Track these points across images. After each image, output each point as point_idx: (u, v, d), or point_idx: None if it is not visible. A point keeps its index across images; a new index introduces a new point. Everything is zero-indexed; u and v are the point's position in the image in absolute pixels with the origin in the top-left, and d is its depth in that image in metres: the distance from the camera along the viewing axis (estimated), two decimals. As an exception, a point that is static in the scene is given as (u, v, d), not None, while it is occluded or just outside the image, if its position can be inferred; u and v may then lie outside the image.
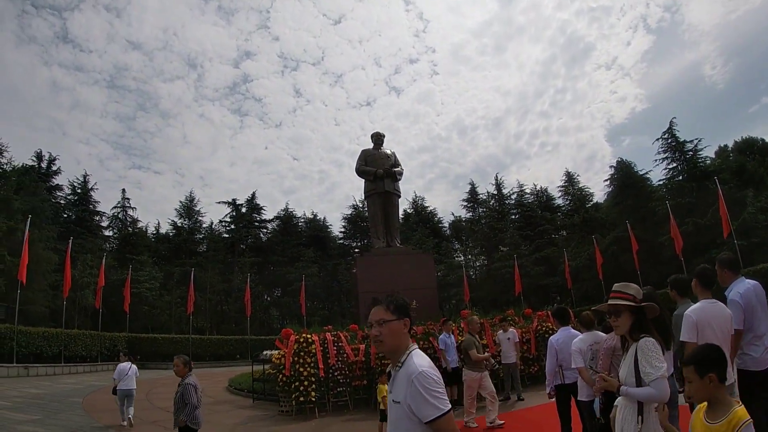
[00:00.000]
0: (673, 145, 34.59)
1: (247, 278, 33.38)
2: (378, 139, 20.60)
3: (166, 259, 41.36)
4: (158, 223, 53.04)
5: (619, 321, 3.15)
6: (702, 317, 4.16)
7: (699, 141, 33.62)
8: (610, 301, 3.23)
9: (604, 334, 5.31)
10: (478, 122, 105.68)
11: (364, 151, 20.64)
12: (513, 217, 47.93)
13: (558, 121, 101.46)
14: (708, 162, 34.66)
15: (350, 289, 38.90)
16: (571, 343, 5.67)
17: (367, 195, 20.36)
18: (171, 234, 44.46)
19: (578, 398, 5.57)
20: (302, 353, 10.47)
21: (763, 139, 42.35)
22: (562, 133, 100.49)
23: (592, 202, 45.65)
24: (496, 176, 53.42)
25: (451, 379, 10.21)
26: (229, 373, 21.77)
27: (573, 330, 6.18)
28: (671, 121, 35.08)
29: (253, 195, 46.98)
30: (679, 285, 4.92)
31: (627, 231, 28.45)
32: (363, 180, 20.28)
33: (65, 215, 37.49)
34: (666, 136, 35.00)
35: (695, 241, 26.32)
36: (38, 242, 26.67)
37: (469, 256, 50.62)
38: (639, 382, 2.92)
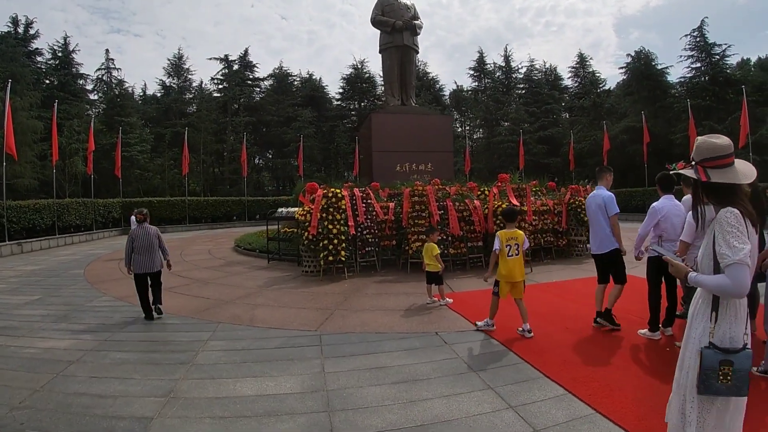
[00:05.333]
0: (701, 45, 32.35)
1: (242, 138, 31.74)
2: (398, -13, 18.17)
3: (155, 121, 38.83)
4: (145, 85, 49.83)
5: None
6: None
7: (728, 47, 31.66)
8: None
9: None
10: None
11: (380, 0, 18.24)
12: (520, 92, 45.55)
13: (567, 1, 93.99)
14: (729, 71, 32.72)
15: (349, 152, 37.95)
16: (677, 212, 5.33)
17: (382, 48, 18.47)
18: (159, 94, 41.33)
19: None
20: (331, 209, 9.48)
21: None
22: (569, 14, 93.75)
23: (603, 87, 43.40)
24: (506, 48, 49.97)
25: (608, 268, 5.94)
26: (229, 234, 21.30)
27: (675, 200, 5.51)
28: (702, 20, 32.70)
29: (246, 52, 42.87)
30: None
31: (640, 122, 27.73)
32: (377, 32, 18.32)
33: (47, 81, 34.04)
34: (695, 34, 32.64)
35: None
36: (21, 111, 24.01)
37: (467, 128, 49.04)
38: (716, 268, 2.13)
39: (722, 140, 2.24)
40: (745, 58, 39.43)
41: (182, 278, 9.78)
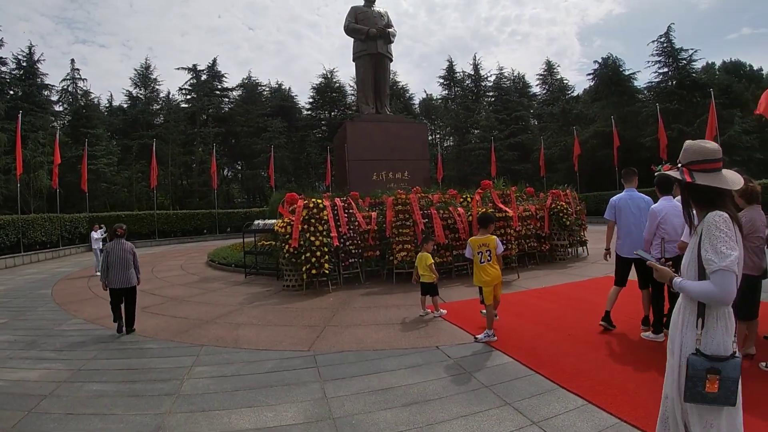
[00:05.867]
0: (668, 51, 33.31)
1: (211, 149, 30.97)
2: (371, -5, 18.14)
3: (122, 133, 37.57)
4: (111, 96, 48.71)
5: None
6: None
7: (695, 51, 32.68)
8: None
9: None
10: (448, 0, 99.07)
11: (354, 8, 18.19)
12: (489, 99, 46.14)
13: (532, 11, 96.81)
14: (695, 75, 33.82)
15: (320, 162, 37.49)
16: (676, 213, 5.13)
17: (356, 56, 18.32)
18: (126, 105, 40.00)
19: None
20: (313, 221, 9.10)
21: (751, 66, 43.02)
22: (534, 23, 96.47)
23: (571, 94, 44.35)
24: (475, 56, 50.61)
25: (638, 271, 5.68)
26: (201, 248, 20.58)
27: (675, 200, 5.38)
28: (669, 26, 33.71)
29: (214, 61, 42.01)
30: None
31: (609, 126, 28.16)
32: (346, 42, 18.35)
33: (11, 92, 32.61)
34: (662, 40, 33.63)
35: (677, 147, 26.31)
36: (-17, 122, 23.07)
37: (438, 136, 49.33)
38: (701, 274, 2.10)
39: (711, 145, 2.21)
40: (710, 62, 40.97)
41: (156, 296, 9.21)
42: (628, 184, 6.00)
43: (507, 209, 10.52)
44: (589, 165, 31.38)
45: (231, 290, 9.80)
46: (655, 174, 4.73)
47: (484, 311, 5.72)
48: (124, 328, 6.39)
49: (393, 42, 18.47)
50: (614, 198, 5.95)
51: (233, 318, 7.17)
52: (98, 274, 12.58)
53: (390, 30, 18.06)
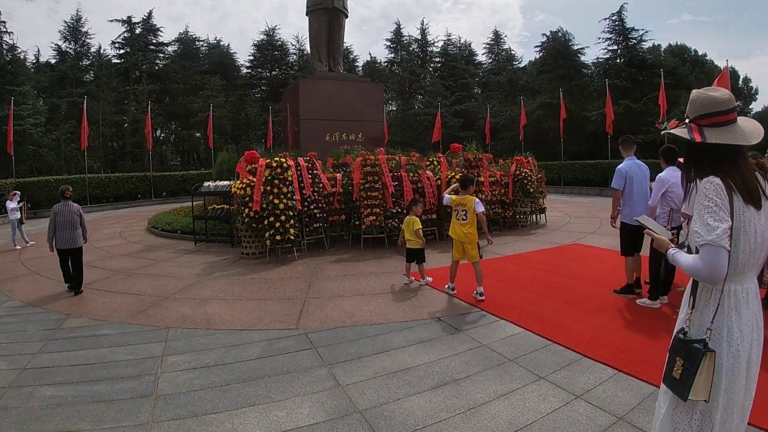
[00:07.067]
0: (619, 29, 33.56)
1: (146, 108, 28.35)
2: (327, -54, 16.82)
3: (49, 91, 33.22)
4: (38, 51, 43.50)
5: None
6: None
7: (645, 32, 33.30)
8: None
9: None
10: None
11: (310, -41, 16.78)
12: (435, 65, 45.54)
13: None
14: (642, 55, 34.66)
15: (260, 123, 35.63)
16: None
17: (310, 10, 17.12)
18: (54, 61, 35.39)
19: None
20: (276, 181, 8.31)
21: (696, 50, 44.81)
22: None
23: (518, 65, 44.54)
24: (422, 21, 49.52)
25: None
26: (137, 214, 18.94)
27: (680, 171, 5.25)
28: (622, 6, 33.69)
29: (150, 14, 37.99)
30: None
31: (557, 98, 28.31)
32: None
33: None
34: (614, 18, 33.77)
35: (622, 123, 27.13)
36: None
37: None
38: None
39: (721, 93, 1.83)
40: (655, 44, 42.40)
41: (100, 270, 8.03)
42: (627, 152, 5.84)
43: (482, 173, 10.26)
44: (534, 135, 31.85)
45: (183, 260, 8.83)
46: (661, 132, 4.61)
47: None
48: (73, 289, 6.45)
49: (350, -4, 17.45)
50: (622, 166, 5.68)
51: (195, 292, 6.35)
52: (18, 248, 11.40)
53: (347, -16, 17.03)
